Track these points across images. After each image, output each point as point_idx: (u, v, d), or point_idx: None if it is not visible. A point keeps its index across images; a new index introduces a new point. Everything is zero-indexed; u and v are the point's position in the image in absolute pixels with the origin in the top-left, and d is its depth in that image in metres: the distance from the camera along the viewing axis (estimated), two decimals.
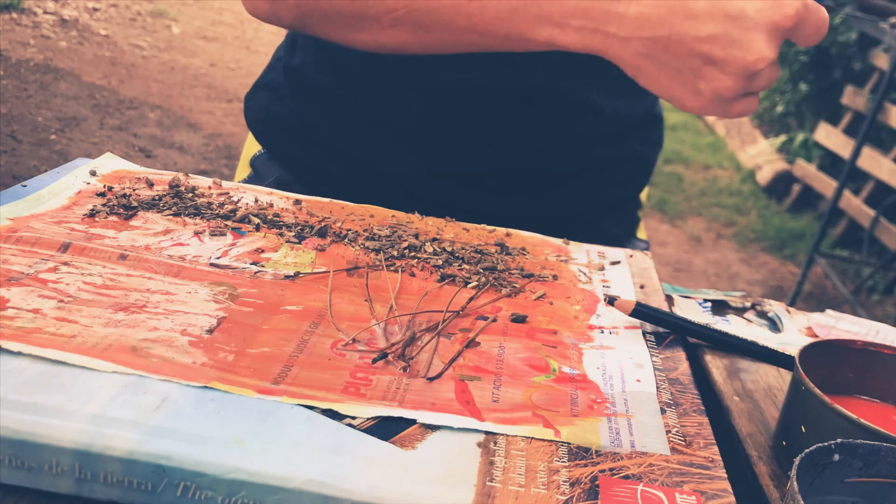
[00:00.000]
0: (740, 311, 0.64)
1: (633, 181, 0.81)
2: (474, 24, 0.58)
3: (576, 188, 0.75)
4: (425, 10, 0.58)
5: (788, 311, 0.64)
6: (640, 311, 0.51)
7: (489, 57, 0.66)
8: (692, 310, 0.62)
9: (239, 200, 0.60)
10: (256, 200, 0.61)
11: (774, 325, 0.62)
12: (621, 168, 0.79)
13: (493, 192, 0.72)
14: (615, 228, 0.81)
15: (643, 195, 0.86)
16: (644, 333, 0.51)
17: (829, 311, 0.67)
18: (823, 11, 0.54)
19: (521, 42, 0.58)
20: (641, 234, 0.88)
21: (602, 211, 0.79)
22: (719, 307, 0.64)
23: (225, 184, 0.63)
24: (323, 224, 0.58)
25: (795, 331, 0.61)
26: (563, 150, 0.73)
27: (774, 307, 0.64)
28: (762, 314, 0.64)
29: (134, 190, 0.59)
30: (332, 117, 0.74)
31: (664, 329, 0.52)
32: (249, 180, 0.80)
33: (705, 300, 0.64)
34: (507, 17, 0.57)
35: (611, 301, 0.52)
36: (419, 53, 0.63)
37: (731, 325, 0.61)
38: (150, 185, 0.60)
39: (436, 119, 0.70)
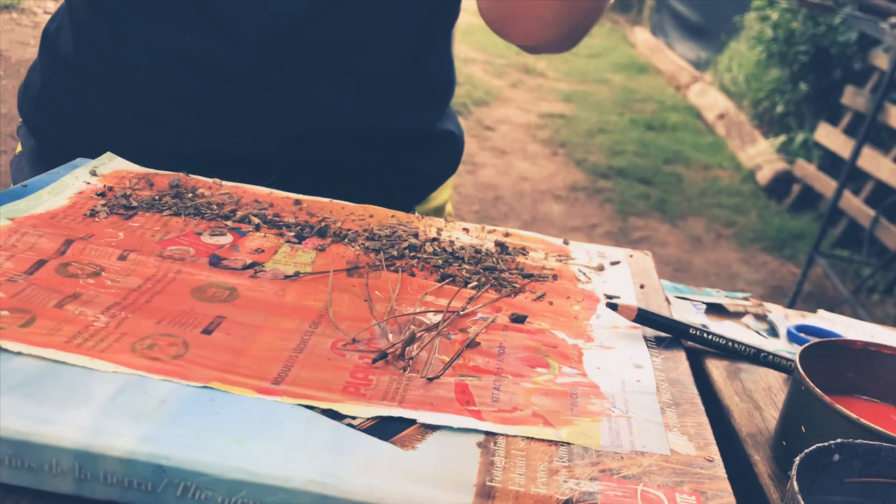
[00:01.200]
0: (738, 317, 0.63)
1: (398, 194, 0.75)
2: None
3: (312, 185, 0.68)
4: None
5: (786, 318, 0.64)
6: (643, 317, 0.51)
7: (199, 22, 0.64)
8: (686, 311, 0.62)
9: (239, 200, 0.60)
10: (256, 200, 0.61)
11: (773, 331, 0.62)
12: (377, 177, 0.74)
13: (214, 177, 0.66)
14: None
15: (423, 209, 0.81)
16: (644, 333, 0.51)
17: (821, 312, 0.67)
18: None
19: None
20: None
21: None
22: (715, 311, 0.64)
23: (225, 184, 0.63)
24: (323, 224, 0.58)
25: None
26: (284, 143, 0.69)
27: (774, 314, 0.64)
28: (761, 317, 0.64)
29: (134, 190, 0.59)
30: (70, 87, 0.71)
31: (667, 334, 0.52)
32: (21, 154, 0.78)
33: (701, 303, 0.64)
34: None
35: (612, 307, 0.51)
36: None
37: (729, 331, 0.61)
38: (151, 185, 0.60)
39: (149, 92, 0.68)
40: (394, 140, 0.74)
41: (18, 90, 0.78)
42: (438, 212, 0.83)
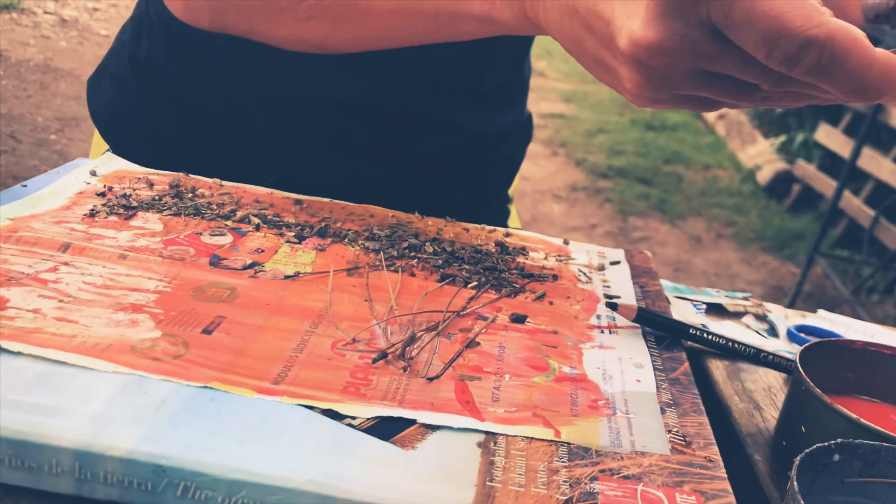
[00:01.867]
0: (738, 317, 0.63)
1: (501, 181, 0.81)
2: (398, 6, 0.52)
3: (441, 195, 0.73)
4: None
5: (786, 318, 0.64)
6: (643, 317, 0.51)
7: (366, 71, 0.65)
8: (686, 311, 0.62)
9: (239, 200, 0.60)
10: (256, 200, 0.61)
11: (773, 331, 0.62)
12: (488, 171, 0.78)
13: (355, 200, 0.67)
14: (485, 224, 0.80)
15: (511, 189, 0.86)
16: (644, 333, 0.51)
17: (821, 312, 0.67)
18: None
19: (454, 21, 0.50)
20: (515, 222, 0.87)
21: (470, 211, 0.76)
22: (715, 311, 0.64)
23: (225, 184, 0.63)
24: (323, 224, 0.58)
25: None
26: (428, 164, 0.72)
27: (774, 313, 0.64)
28: (761, 317, 0.64)
29: (134, 190, 0.59)
30: (181, 117, 0.68)
31: (667, 334, 0.52)
32: None
33: (701, 303, 0.64)
34: None
35: (613, 307, 0.51)
36: (347, 50, 0.58)
37: (729, 331, 0.61)
38: (150, 185, 0.60)
39: (295, 129, 0.67)
40: (500, 138, 0.77)
41: (97, 118, 0.73)
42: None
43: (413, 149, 0.71)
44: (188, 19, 0.61)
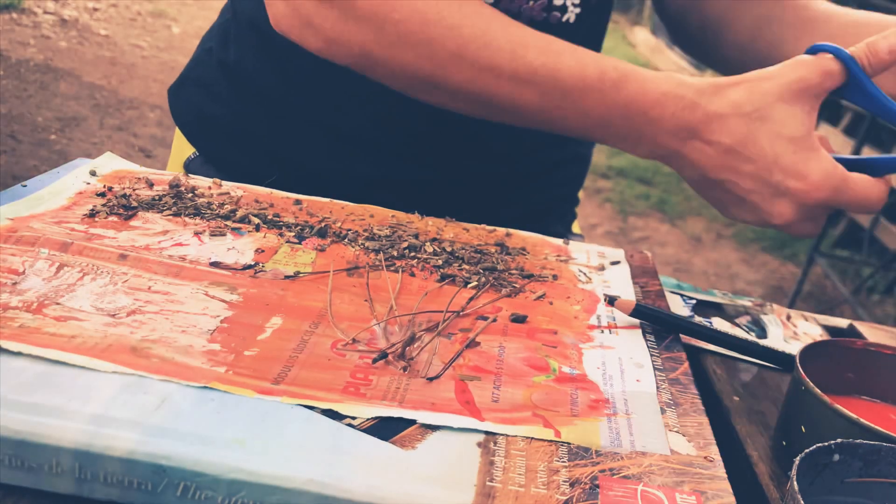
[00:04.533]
0: (732, 317, 0.63)
1: (574, 180, 0.83)
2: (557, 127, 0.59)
3: (524, 191, 0.76)
4: (509, 103, 0.58)
5: (789, 318, 0.64)
6: (641, 311, 0.51)
7: None
8: (675, 305, 0.62)
9: (239, 200, 0.60)
10: (256, 200, 0.61)
11: (763, 332, 0.62)
12: (564, 170, 0.80)
13: (444, 198, 0.69)
14: (557, 226, 0.81)
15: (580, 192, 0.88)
16: (644, 333, 0.51)
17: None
18: (868, 191, 0.54)
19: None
20: (576, 228, 0.88)
21: (546, 211, 0.79)
22: (706, 308, 0.64)
23: (225, 184, 0.63)
24: (323, 224, 0.58)
25: (781, 338, 0.61)
26: (512, 158, 0.73)
27: (768, 315, 0.64)
28: (756, 319, 0.64)
29: (134, 190, 0.59)
30: (274, 119, 0.70)
31: (664, 328, 0.52)
32: None
33: (689, 297, 0.64)
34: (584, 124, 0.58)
35: (611, 301, 0.52)
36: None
37: (717, 326, 0.61)
38: (150, 185, 0.60)
39: (387, 127, 0.68)
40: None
41: (183, 124, 0.75)
42: None
43: (497, 142, 0.71)
44: (322, 54, 0.60)
